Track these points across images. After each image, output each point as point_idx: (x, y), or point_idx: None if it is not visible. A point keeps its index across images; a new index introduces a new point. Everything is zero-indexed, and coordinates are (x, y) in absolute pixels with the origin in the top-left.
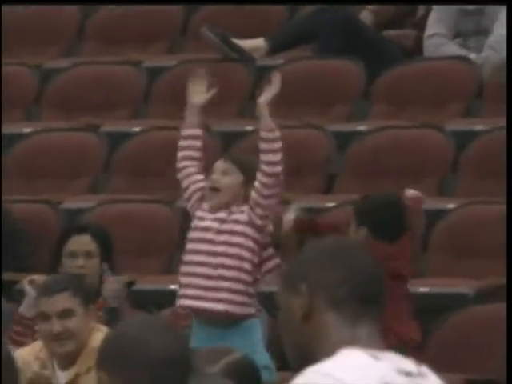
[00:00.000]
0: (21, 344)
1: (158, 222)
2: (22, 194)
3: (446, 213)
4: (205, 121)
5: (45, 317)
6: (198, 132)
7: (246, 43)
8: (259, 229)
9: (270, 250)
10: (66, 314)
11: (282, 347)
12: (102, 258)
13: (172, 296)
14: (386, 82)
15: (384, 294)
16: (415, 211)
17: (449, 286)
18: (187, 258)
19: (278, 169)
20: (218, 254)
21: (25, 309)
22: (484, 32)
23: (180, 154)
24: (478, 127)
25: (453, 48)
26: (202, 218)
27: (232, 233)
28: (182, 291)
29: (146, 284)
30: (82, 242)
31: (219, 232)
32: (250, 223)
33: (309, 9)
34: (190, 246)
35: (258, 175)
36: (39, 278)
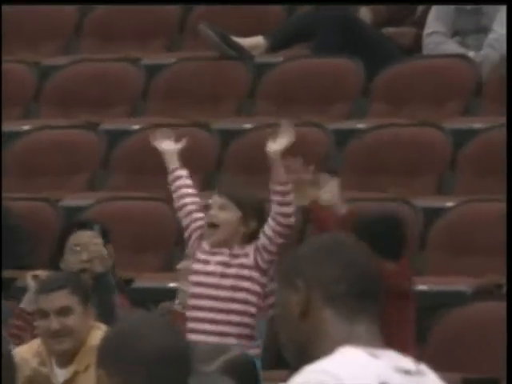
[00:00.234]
0: (20, 338)
1: (157, 219)
2: (21, 192)
3: (445, 211)
4: (203, 118)
5: (43, 314)
6: (183, 172)
7: (246, 41)
8: (264, 273)
9: (272, 286)
10: (64, 311)
11: (279, 344)
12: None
13: (171, 293)
14: (385, 80)
15: (381, 290)
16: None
17: (447, 284)
18: (192, 302)
19: (292, 220)
20: (222, 298)
21: (26, 303)
22: (483, 30)
23: (175, 194)
24: (477, 125)
25: (452, 46)
26: (205, 262)
27: (238, 277)
28: (189, 336)
29: (144, 281)
30: (86, 236)
31: (223, 276)
32: (255, 267)
33: (307, 7)
34: (193, 289)
35: (272, 224)
36: (42, 273)
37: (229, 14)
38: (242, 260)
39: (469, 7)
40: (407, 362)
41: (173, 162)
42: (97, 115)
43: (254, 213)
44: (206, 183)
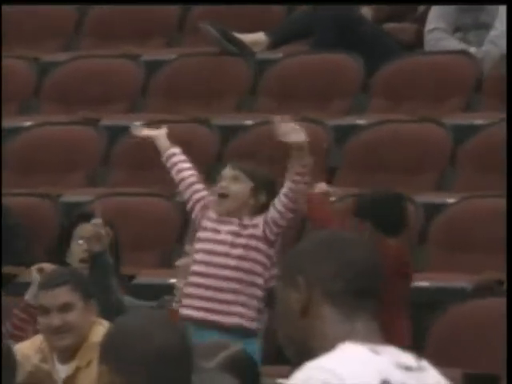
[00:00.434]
0: (23, 331)
1: (157, 215)
2: (21, 188)
3: (445, 207)
4: (204, 114)
5: (45, 310)
6: (176, 149)
7: (247, 37)
8: (272, 244)
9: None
10: (65, 307)
11: (278, 341)
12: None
13: (171, 290)
14: (385, 76)
15: (381, 287)
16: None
17: (447, 281)
18: (197, 268)
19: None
20: (230, 267)
21: (30, 297)
22: (484, 26)
23: (172, 171)
24: (478, 121)
25: (453, 42)
26: (215, 230)
27: (247, 247)
28: (188, 301)
29: (144, 278)
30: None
31: (233, 245)
32: (264, 238)
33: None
34: (200, 257)
35: (285, 200)
36: (48, 266)
37: (229, 12)
38: (251, 231)
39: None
40: (408, 358)
41: (165, 144)
42: (97, 111)
43: (265, 186)
44: (206, 179)
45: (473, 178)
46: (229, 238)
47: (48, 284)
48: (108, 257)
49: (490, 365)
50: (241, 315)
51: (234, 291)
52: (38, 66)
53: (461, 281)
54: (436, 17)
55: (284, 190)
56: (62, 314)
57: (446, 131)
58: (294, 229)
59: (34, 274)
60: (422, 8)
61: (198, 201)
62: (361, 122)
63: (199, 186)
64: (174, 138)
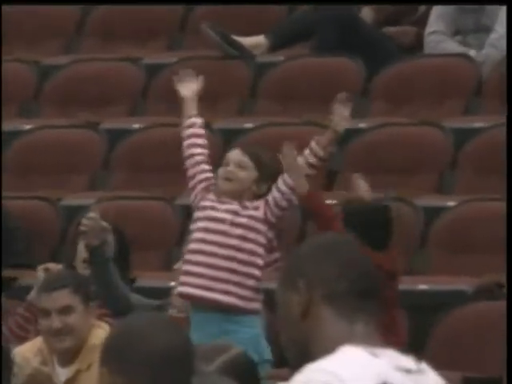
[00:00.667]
0: (26, 330)
1: (158, 218)
2: (21, 191)
3: (445, 210)
4: (205, 118)
5: (45, 313)
6: (198, 120)
7: (247, 40)
8: (272, 226)
9: (273, 244)
10: (66, 310)
11: (280, 343)
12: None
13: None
14: (385, 79)
15: (381, 289)
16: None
17: (448, 283)
18: (195, 246)
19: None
20: (230, 246)
21: (34, 296)
22: (484, 29)
23: (185, 142)
24: (478, 124)
25: (452, 45)
26: (213, 208)
27: (247, 228)
28: (186, 279)
29: (145, 280)
30: None
31: (233, 224)
32: (264, 220)
33: (308, 5)
34: (198, 235)
35: (288, 180)
36: (53, 266)
37: (230, 13)
38: (252, 212)
39: (471, 5)
40: (407, 361)
41: (189, 109)
42: (97, 114)
43: (269, 178)
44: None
45: (473, 180)
46: (228, 216)
47: (49, 286)
48: (107, 251)
49: (490, 368)
50: (238, 295)
51: (232, 271)
52: (38, 68)
53: (461, 284)
54: (436, 19)
55: None
56: (62, 317)
57: (446, 134)
58: (294, 227)
59: (39, 274)
60: (421, 10)
61: (202, 181)
62: (361, 125)
63: (206, 167)
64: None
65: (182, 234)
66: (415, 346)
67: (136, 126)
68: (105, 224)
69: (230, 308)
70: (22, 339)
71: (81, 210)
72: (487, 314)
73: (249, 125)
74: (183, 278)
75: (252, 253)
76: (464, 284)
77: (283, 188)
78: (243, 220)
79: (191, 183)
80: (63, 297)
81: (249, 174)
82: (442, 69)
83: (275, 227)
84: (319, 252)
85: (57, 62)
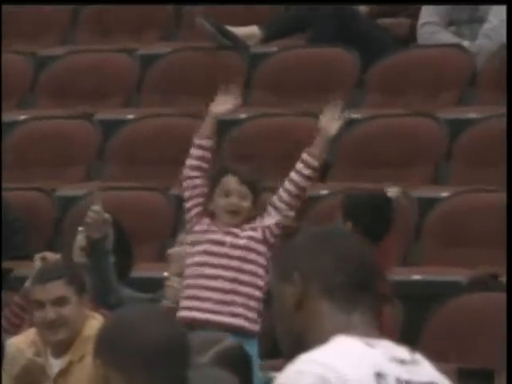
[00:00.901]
0: (21, 318)
1: (152, 209)
2: (16, 182)
3: (440, 201)
4: (199, 109)
5: (39, 304)
6: (211, 143)
7: (241, 30)
8: (271, 247)
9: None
10: (60, 301)
11: (275, 335)
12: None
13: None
14: (380, 71)
15: (377, 281)
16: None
17: (442, 274)
18: (196, 271)
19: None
20: (232, 268)
21: (29, 286)
22: (477, 20)
23: (191, 162)
24: (472, 115)
25: (446, 36)
26: (212, 231)
27: (247, 249)
28: (191, 303)
29: (139, 272)
30: None
31: (233, 246)
32: (263, 241)
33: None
34: (199, 258)
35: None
36: (51, 255)
37: (225, 8)
38: (250, 233)
39: None
40: (402, 352)
41: (206, 128)
42: (92, 106)
43: (258, 200)
44: None
45: (467, 171)
46: (227, 238)
47: (43, 278)
48: (107, 244)
49: (484, 359)
50: (244, 317)
51: (236, 292)
52: (34, 60)
53: (456, 275)
54: (429, 11)
55: (287, 186)
56: (56, 308)
57: (441, 125)
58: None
59: (36, 263)
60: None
61: (198, 206)
62: (356, 116)
63: (203, 190)
64: (169, 133)
65: (176, 225)
66: (409, 336)
67: (131, 116)
68: (107, 217)
69: (237, 330)
70: (16, 327)
71: (76, 201)
72: (481, 305)
73: (243, 115)
74: (187, 303)
75: (253, 274)
76: (458, 275)
77: (281, 206)
78: (242, 241)
79: (187, 204)
80: (57, 288)
81: (249, 202)
82: (436, 60)
83: (274, 247)
84: (315, 245)
85: (53, 54)
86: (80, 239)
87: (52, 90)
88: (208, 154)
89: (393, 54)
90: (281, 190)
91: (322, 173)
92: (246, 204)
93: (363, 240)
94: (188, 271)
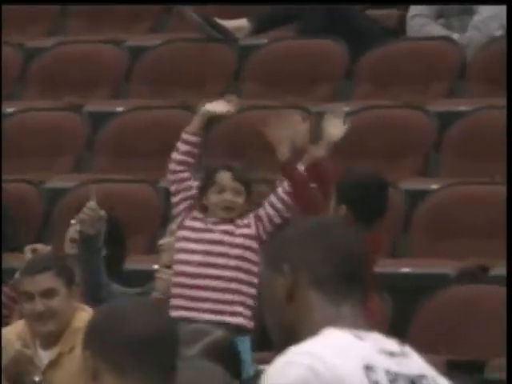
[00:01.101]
0: (10, 309)
1: (141, 201)
2: (5, 174)
3: (429, 193)
4: (189, 101)
5: (28, 296)
6: (199, 140)
7: (230, 23)
8: (262, 243)
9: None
10: (49, 293)
11: (265, 328)
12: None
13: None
14: (369, 62)
15: (367, 273)
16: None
17: (431, 266)
18: (194, 270)
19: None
20: (231, 267)
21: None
22: (467, 12)
23: (177, 157)
24: (462, 107)
25: (436, 28)
26: (208, 230)
27: (244, 247)
28: (188, 304)
29: (129, 264)
30: None
31: (231, 245)
32: (256, 237)
33: None
34: (197, 257)
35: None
36: (41, 247)
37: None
38: (245, 230)
39: None
40: (392, 344)
41: (194, 125)
42: (81, 97)
43: (252, 196)
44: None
45: (457, 164)
46: (225, 237)
47: (32, 270)
48: (100, 241)
49: (473, 351)
50: (243, 315)
51: (235, 291)
52: (22, 51)
53: (444, 267)
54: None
55: (285, 185)
56: (45, 300)
57: (430, 117)
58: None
59: (27, 255)
60: None
61: (187, 199)
62: (345, 108)
63: (190, 183)
64: (158, 124)
65: (166, 217)
66: (398, 329)
67: (119, 108)
68: (102, 214)
69: (236, 328)
70: (5, 318)
71: (64, 193)
72: (470, 297)
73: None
74: (182, 302)
75: (249, 272)
76: (447, 267)
77: (278, 205)
78: (240, 240)
79: (175, 199)
80: (46, 280)
81: (243, 198)
82: (426, 52)
83: (265, 244)
84: (304, 236)
85: (41, 45)
86: (72, 231)
87: (41, 82)
88: (195, 150)
89: (382, 45)
90: (280, 190)
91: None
92: (240, 200)
93: (355, 228)
94: (186, 270)
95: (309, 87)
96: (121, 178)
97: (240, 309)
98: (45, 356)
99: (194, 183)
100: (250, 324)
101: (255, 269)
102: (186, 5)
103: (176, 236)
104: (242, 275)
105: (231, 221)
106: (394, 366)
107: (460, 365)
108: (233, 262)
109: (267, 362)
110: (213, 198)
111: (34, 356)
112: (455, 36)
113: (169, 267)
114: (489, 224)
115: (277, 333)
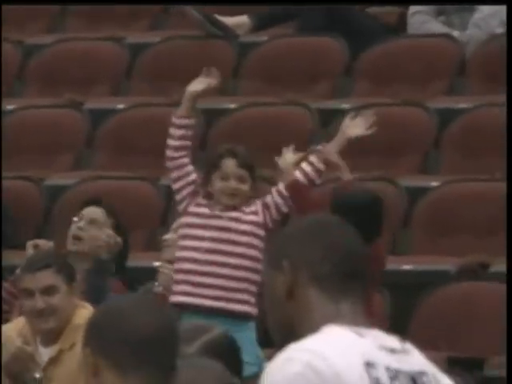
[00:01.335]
0: (10, 305)
1: (141, 198)
2: (5, 171)
3: (429, 190)
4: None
5: (28, 293)
6: (192, 122)
7: (230, 20)
8: (268, 230)
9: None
10: (49, 290)
11: (266, 323)
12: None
13: (155, 273)
14: (369, 59)
15: (367, 270)
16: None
17: (431, 263)
18: (201, 256)
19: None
20: (238, 254)
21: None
22: (467, 9)
23: (172, 143)
24: (462, 105)
25: (436, 26)
26: (216, 216)
27: (252, 234)
28: (194, 290)
29: (129, 261)
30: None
31: (239, 232)
32: (263, 225)
33: None
34: (204, 244)
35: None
36: (43, 243)
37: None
38: (252, 217)
39: None
40: (392, 341)
41: (182, 108)
42: (81, 94)
43: (255, 180)
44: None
45: (456, 161)
46: (232, 224)
47: (32, 267)
48: (111, 264)
49: (473, 348)
50: (248, 302)
51: (240, 279)
52: (22, 48)
53: (444, 264)
54: None
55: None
56: (45, 297)
57: (430, 114)
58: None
59: (29, 251)
60: None
61: (189, 185)
62: (345, 105)
63: (190, 168)
64: (158, 121)
65: (166, 214)
66: (399, 325)
67: (120, 106)
68: (119, 240)
69: (240, 315)
70: (6, 314)
71: (64, 190)
72: (470, 294)
73: (232, 105)
74: (187, 288)
75: (255, 259)
76: (447, 264)
77: (286, 194)
78: (248, 227)
79: (176, 185)
80: (47, 277)
81: (247, 185)
82: (426, 49)
83: (271, 232)
84: (304, 234)
85: (41, 42)
86: (74, 228)
87: (40, 79)
88: (189, 132)
89: (382, 42)
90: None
91: None
92: (245, 187)
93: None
94: (191, 255)
95: (308, 84)
96: (121, 175)
97: (245, 296)
98: (45, 353)
99: (192, 167)
100: (254, 311)
101: (260, 256)
102: (186, 5)
103: (179, 222)
104: (247, 262)
105: (238, 208)
106: (395, 362)
107: (460, 361)
108: (239, 249)
109: (269, 358)
110: (217, 184)
111: (34, 353)
112: (455, 33)
113: (171, 262)
114: (489, 221)
115: (277, 330)
